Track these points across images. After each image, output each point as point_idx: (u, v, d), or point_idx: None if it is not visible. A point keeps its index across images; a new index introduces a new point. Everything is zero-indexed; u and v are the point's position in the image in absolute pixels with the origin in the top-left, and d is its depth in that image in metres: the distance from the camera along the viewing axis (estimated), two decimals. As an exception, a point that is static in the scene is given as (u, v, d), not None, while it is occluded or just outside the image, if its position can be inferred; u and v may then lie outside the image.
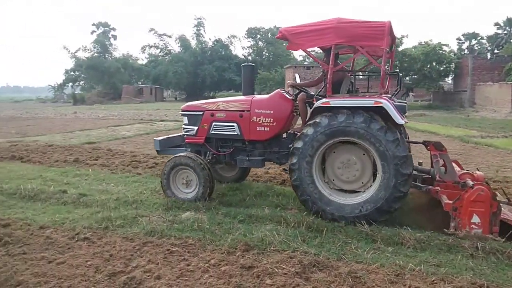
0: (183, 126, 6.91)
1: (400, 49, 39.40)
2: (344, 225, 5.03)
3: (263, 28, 67.82)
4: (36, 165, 9.46)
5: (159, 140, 7.03)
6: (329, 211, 5.27)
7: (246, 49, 70.31)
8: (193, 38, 64.65)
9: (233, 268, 3.90)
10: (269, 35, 65.78)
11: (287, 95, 6.20)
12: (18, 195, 6.58)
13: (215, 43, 64.26)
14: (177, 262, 4.08)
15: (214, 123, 6.44)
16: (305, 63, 56.87)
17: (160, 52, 64.40)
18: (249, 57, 61.58)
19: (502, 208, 4.81)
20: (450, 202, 4.80)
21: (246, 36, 67.92)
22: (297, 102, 6.03)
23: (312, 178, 5.37)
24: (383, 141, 4.96)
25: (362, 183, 5.42)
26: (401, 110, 5.14)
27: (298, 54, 64.79)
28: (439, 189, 5.20)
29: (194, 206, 5.82)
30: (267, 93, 6.77)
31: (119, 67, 58.69)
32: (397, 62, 39.57)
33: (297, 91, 6.19)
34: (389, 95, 5.57)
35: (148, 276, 3.76)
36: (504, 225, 4.67)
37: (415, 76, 39.07)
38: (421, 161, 6.43)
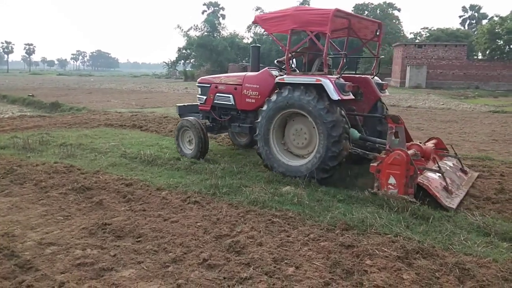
0: (197, 95, 8.21)
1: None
2: (453, 214, 4.74)
3: (372, 4, 64.37)
4: (153, 134, 10.47)
5: (179, 106, 8.54)
6: (285, 172, 6.23)
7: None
8: (297, 16, 64.00)
9: (332, 245, 3.92)
10: (378, 12, 62.19)
11: (274, 73, 6.89)
12: (138, 159, 7.32)
13: (320, 21, 62.79)
14: (278, 232, 4.24)
15: (217, 94, 7.66)
16: (417, 41, 52.85)
17: (265, 31, 64.90)
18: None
19: (435, 175, 5.38)
20: (375, 164, 5.39)
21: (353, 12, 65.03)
22: None
23: (269, 145, 6.42)
24: (314, 109, 5.77)
25: (310, 148, 6.28)
26: (341, 88, 5.77)
27: (409, 32, 60.05)
28: (383, 156, 5.50)
29: (294, 181, 5.96)
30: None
31: (226, 45, 60.62)
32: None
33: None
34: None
35: (251, 241, 3.96)
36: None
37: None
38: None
